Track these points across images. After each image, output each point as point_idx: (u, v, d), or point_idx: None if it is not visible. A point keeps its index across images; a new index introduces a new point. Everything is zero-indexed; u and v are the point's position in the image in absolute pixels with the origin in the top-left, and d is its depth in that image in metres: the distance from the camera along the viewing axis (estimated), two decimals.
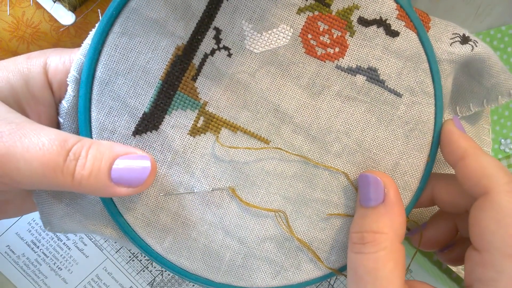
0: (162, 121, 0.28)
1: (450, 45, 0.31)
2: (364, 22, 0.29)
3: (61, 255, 0.40)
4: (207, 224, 0.29)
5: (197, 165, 0.29)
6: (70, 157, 0.25)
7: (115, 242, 0.40)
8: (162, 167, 0.29)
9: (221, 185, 0.29)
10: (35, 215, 0.40)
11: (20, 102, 0.28)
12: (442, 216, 0.32)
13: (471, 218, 0.26)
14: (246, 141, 0.29)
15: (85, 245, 0.40)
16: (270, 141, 0.29)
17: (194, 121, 0.29)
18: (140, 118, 0.28)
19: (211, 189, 0.29)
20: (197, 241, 0.29)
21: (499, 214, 0.25)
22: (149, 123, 0.28)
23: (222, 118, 0.29)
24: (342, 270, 0.31)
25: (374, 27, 0.29)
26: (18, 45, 0.33)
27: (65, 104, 0.28)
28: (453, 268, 0.34)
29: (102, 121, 0.28)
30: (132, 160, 0.26)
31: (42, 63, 0.28)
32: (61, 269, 0.40)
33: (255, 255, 0.30)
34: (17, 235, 0.40)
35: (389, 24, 0.29)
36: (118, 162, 0.26)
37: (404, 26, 0.29)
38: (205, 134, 0.29)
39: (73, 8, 0.32)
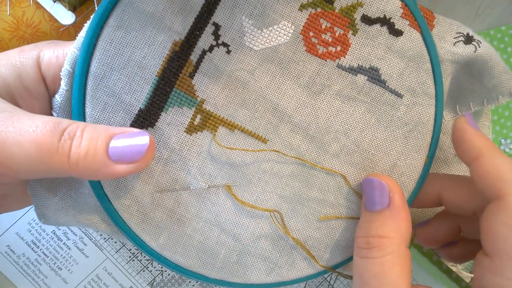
0: (158, 118, 0.28)
1: (454, 45, 0.30)
2: (368, 20, 0.28)
3: (61, 255, 0.40)
4: (202, 221, 0.29)
5: (193, 163, 0.29)
6: (65, 136, 0.24)
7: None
8: (158, 164, 0.28)
9: (217, 183, 0.29)
10: (35, 215, 0.40)
11: (13, 96, 0.28)
12: (446, 215, 0.32)
13: (483, 221, 0.26)
14: (243, 140, 0.29)
15: (85, 245, 0.40)
16: (268, 140, 0.29)
17: (191, 119, 0.28)
18: (136, 114, 0.28)
19: (207, 186, 0.29)
20: (192, 238, 0.29)
21: None
22: (144, 120, 0.28)
23: (219, 116, 0.28)
24: (335, 268, 0.31)
25: (377, 26, 0.28)
26: (18, 45, 0.33)
27: (58, 98, 0.27)
28: (453, 268, 0.35)
29: (96, 117, 0.27)
30: (130, 138, 0.26)
31: (35, 56, 0.28)
32: (61, 269, 0.40)
33: (249, 252, 0.30)
34: (17, 235, 0.40)
35: (393, 23, 0.28)
36: (115, 140, 0.25)
37: (408, 25, 0.28)
38: (202, 132, 0.28)
39: (73, 8, 0.32)
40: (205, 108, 0.28)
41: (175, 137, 0.28)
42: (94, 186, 0.28)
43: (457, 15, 0.31)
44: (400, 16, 0.28)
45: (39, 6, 0.32)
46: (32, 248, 0.40)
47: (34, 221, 0.40)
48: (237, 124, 0.29)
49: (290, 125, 0.29)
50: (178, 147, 0.28)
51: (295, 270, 0.31)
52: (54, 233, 0.40)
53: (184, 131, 0.28)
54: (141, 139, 0.26)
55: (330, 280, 0.41)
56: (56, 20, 0.32)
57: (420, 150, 0.30)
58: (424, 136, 0.30)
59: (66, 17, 0.32)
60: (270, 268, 0.30)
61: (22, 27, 0.32)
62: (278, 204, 0.30)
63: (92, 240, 0.40)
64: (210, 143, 0.28)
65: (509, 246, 0.24)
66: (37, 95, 0.28)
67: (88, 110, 0.27)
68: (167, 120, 0.28)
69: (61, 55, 0.27)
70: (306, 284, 0.40)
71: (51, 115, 0.28)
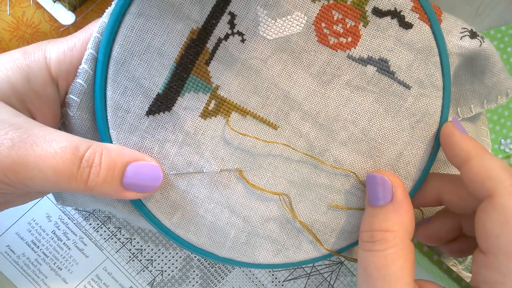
0: (175, 102, 0.29)
1: (460, 39, 0.31)
2: (379, 12, 0.29)
3: (61, 255, 0.40)
4: (214, 202, 0.31)
5: (206, 147, 0.30)
6: (84, 164, 0.26)
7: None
8: (173, 147, 0.30)
9: (229, 167, 0.30)
10: (35, 215, 0.40)
11: (24, 101, 0.28)
12: (447, 213, 0.33)
13: (476, 220, 0.27)
14: (255, 126, 0.30)
15: (85, 245, 0.40)
16: (279, 127, 0.30)
17: (206, 104, 0.29)
18: (154, 99, 0.29)
19: (219, 170, 0.30)
20: (204, 218, 0.31)
21: (503, 216, 0.25)
22: (162, 104, 0.29)
23: (233, 102, 0.30)
24: (340, 252, 0.32)
25: (388, 18, 0.29)
26: (18, 45, 0.33)
27: (83, 83, 0.29)
28: (453, 268, 0.35)
29: (117, 100, 0.29)
30: (144, 170, 0.28)
31: (41, 57, 0.28)
32: (61, 269, 0.40)
33: (258, 233, 0.31)
34: (17, 235, 0.40)
35: (403, 15, 0.29)
36: (129, 169, 0.27)
37: (418, 18, 0.29)
38: (215, 117, 0.30)
39: (73, 8, 0.32)
40: (219, 94, 0.29)
41: (190, 121, 0.29)
42: None
43: (457, 15, 0.31)
44: (411, 9, 0.29)
45: (39, 6, 0.32)
46: (32, 248, 0.40)
47: (34, 221, 0.40)
48: (249, 110, 0.30)
49: (300, 112, 0.30)
50: (193, 131, 0.30)
51: (301, 252, 0.32)
52: (54, 233, 0.40)
53: (199, 116, 0.30)
54: (154, 172, 0.28)
55: (330, 280, 0.41)
56: (56, 20, 0.32)
57: (426, 141, 0.31)
58: (430, 127, 0.31)
59: (66, 17, 0.32)
60: (277, 249, 0.32)
61: (22, 27, 0.33)
62: (287, 188, 0.31)
63: (92, 240, 0.40)
64: (223, 128, 0.30)
65: (502, 242, 0.25)
66: (46, 98, 0.28)
67: (109, 93, 0.29)
68: (183, 104, 0.29)
69: (67, 50, 0.28)
70: (306, 284, 0.41)
71: (61, 116, 0.29)
